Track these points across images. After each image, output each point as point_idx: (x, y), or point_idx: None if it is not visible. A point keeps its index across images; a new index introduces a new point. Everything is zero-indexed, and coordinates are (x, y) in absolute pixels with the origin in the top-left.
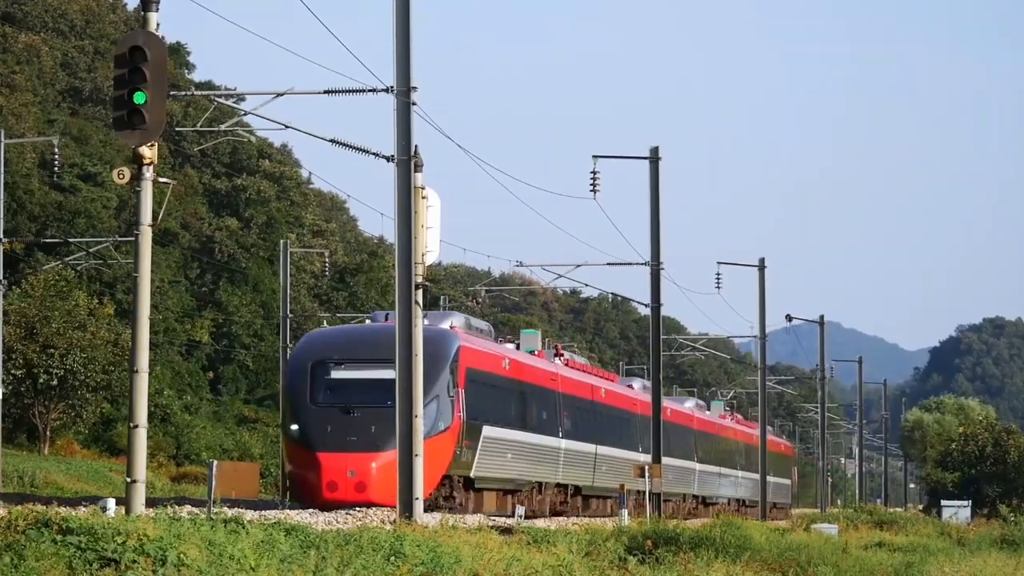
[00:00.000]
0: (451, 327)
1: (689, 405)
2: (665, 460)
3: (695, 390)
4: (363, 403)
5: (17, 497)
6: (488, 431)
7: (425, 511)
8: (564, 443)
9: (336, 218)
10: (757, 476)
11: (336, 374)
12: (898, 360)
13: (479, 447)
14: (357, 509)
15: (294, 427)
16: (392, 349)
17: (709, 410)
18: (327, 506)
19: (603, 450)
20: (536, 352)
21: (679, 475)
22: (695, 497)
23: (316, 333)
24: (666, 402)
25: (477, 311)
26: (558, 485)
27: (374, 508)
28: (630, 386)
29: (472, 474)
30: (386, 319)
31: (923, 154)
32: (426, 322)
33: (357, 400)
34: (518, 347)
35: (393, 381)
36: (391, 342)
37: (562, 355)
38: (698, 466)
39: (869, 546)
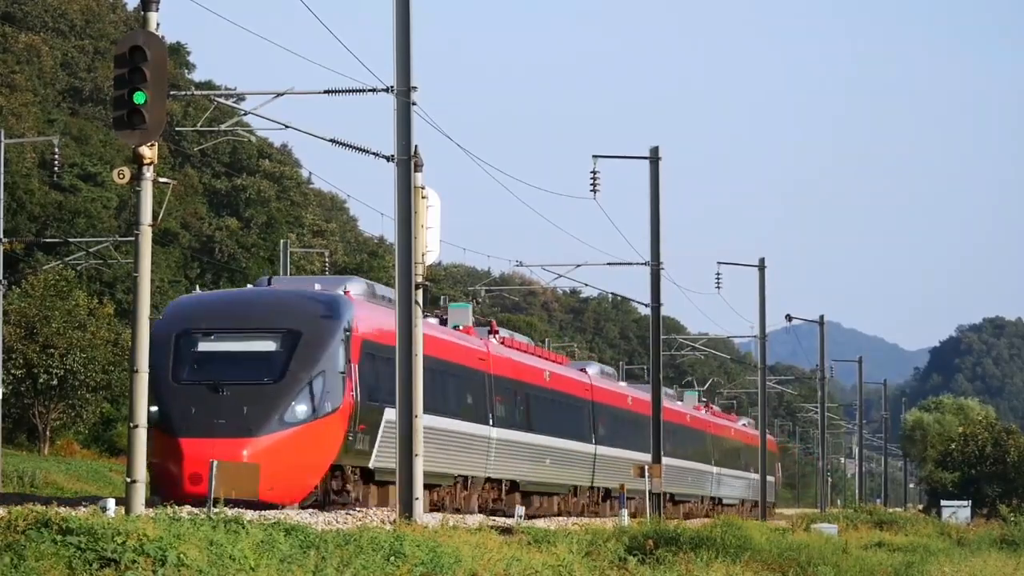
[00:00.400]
0: (345, 292)
1: None
2: (622, 453)
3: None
4: (234, 380)
5: (17, 497)
6: (392, 414)
7: (309, 507)
8: (495, 432)
9: (336, 218)
10: (736, 472)
11: (204, 346)
12: (898, 360)
13: (380, 433)
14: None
15: (153, 409)
16: (273, 317)
17: (681, 400)
18: (190, 501)
19: (546, 440)
20: (463, 328)
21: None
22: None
23: (184, 299)
24: (629, 390)
25: (477, 311)
26: (489, 480)
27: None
28: (583, 370)
29: (371, 464)
30: (268, 283)
31: (923, 154)
32: (317, 287)
33: (227, 376)
34: (444, 322)
35: (271, 354)
36: (271, 309)
37: (497, 332)
38: (665, 460)
39: (869, 546)
